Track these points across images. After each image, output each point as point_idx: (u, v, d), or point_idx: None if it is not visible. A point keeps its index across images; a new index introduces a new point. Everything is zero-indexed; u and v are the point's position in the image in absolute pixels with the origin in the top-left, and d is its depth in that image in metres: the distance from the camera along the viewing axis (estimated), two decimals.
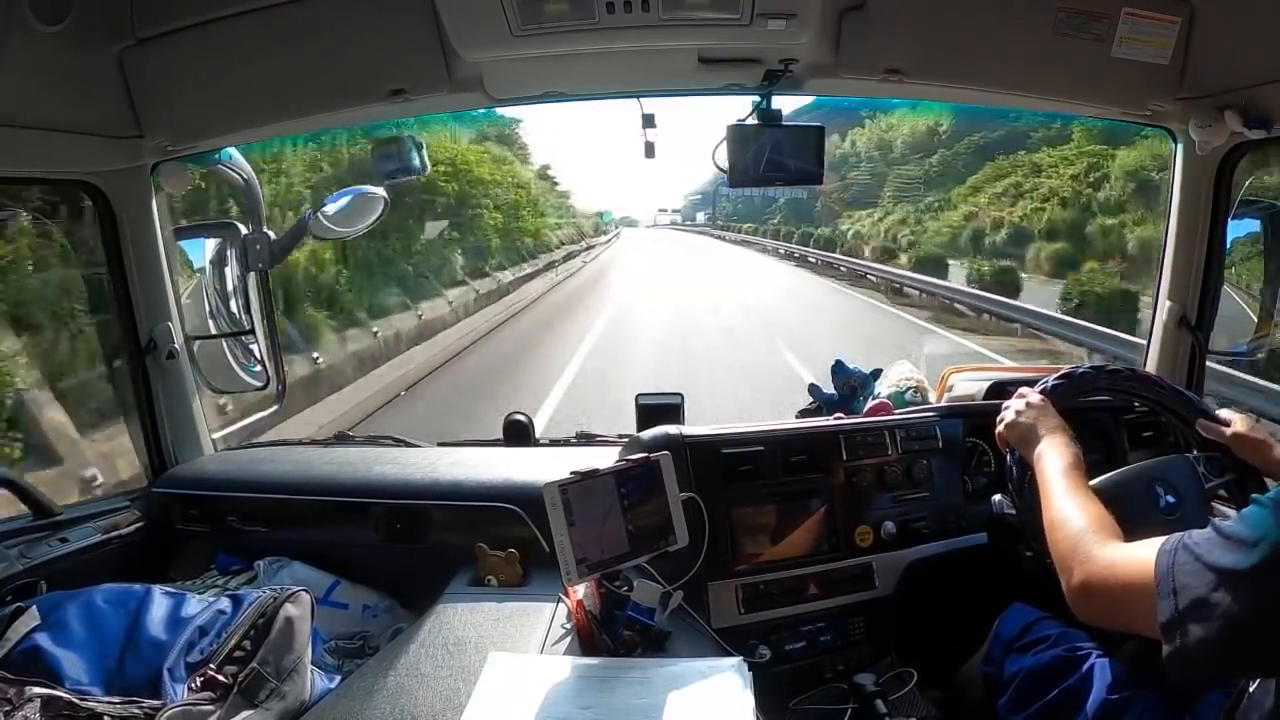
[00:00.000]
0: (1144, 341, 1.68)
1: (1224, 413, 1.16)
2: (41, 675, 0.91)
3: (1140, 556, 0.77)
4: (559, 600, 1.17)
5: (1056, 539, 0.91)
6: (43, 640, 0.96)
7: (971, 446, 1.48)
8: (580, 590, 1.13)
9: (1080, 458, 1.02)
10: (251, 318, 1.61)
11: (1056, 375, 1.20)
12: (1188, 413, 1.19)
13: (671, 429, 1.36)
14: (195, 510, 1.49)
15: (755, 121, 1.42)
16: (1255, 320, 1.57)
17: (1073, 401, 1.16)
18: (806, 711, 1.24)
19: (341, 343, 7.54)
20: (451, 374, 8.02)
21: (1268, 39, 1.20)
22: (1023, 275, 13.94)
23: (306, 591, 1.09)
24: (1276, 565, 0.67)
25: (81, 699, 0.89)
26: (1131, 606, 0.77)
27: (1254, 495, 0.75)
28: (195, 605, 1.06)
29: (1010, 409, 1.13)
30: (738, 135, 1.40)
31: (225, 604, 1.06)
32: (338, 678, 1.11)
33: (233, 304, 1.62)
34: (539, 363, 8.19)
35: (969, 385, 1.67)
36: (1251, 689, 0.81)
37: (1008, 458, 1.14)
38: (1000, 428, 1.13)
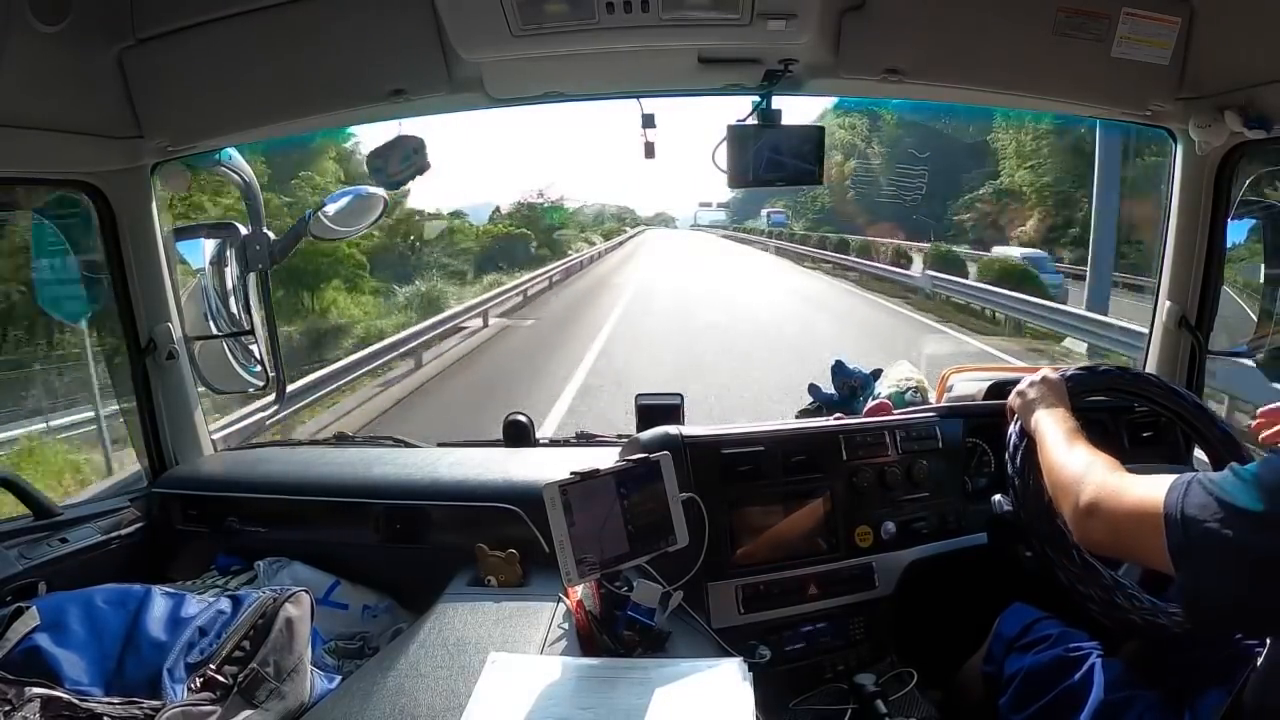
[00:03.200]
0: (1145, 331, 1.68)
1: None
2: (41, 675, 0.91)
3: (1151, 485, 0.79)
4: (559, 600, 1.17)
5: (1060, 475, 0.93)
6: (42, 641, 0.96)
7: (971, 447, 1.48)
8: (580, 590, 1.13)
9: (1080, 429, 1.03)
10: (251, 318, 1.61)
11: (1079, 365, 1.22)
12: (1208, 430, 1.20)
13: (671, 429, 1.36)
14: (195, 510, 1.49)
15: (755, 122, 1.42)
16: (1255, 320, 1.57)
17: (1080, 401, 1.16)
18: (806, 711, 1.24)
19: None
20: None
21: (1268, 39, 1.20)
22: None
23: (306, 592, 1.09)
24: (1272, 514, 0.69)
25: (81, 699, 0.89)
26: (1137, 533, 0.78)
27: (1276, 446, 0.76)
28: (195, 606, 1.06)
29: (1025, 381, 1.16)
30: (737, 135, 1.41)
31: (225, 604, 1.06)
32: (338, 678, 1.11)
33: (233, 304, 1.62)
34: None
35: (969, 385, 1.67)
36: (1259, 663, 0.81)
37: (1011, 426, 1.17)
38: (1010, 397, 1.17)
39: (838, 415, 1.51)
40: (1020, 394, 1.15)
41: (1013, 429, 1.16)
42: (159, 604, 1.05)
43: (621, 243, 32.72)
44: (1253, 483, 0.71)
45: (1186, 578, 0.73)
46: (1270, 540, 0.69)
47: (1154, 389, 1.24)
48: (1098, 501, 0.84)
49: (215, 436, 1.69)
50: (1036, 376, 1.16)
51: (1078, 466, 0.91)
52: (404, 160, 1.47)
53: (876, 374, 1.66)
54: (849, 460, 1.39)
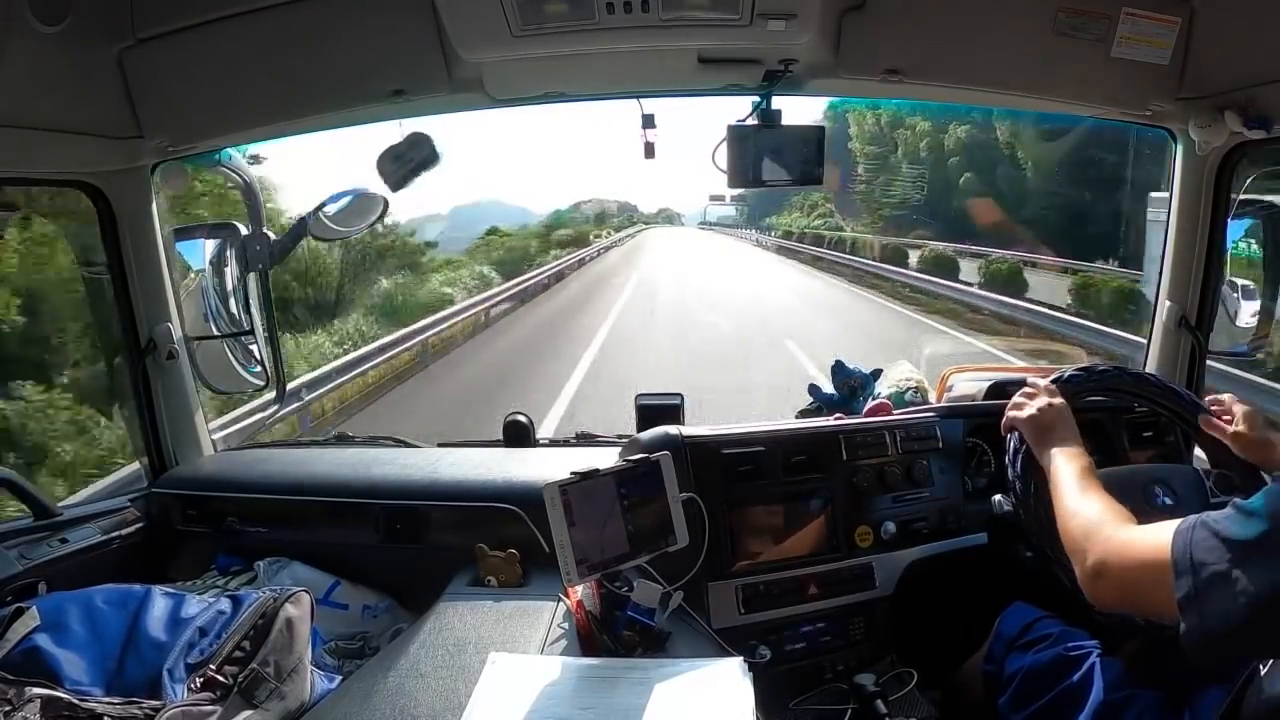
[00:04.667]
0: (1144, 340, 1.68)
1: (1227, 398, 1.15)
2: (41, 676, 0.91)
3: (1156, 536, 0.77)
4: (559, 600, 1.17)
5: (1069, 527, 0.92)
6: (43, 641, 0.96)
7: (971, 447, 1.48)
8: (580, 590, 1.13)
9: (1092, 468, 1.01)
10: (251, 318, 1.61)
11: (1075, 367, 1.21)
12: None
13: (671, 429, 1.36)
14: (195, 511, 1.49)
15: (755, 122, 1.42)
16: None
17: (1079, 401, 1.16)
18: (806, 711, 1.24)
19: None
20: None
21: (1268, 39, 1.21)
22: None
23: (306, 592, 1.09)
24: (1272, 540, 0.68)
25: (81, 699, 0.89)
26: (1147, 587, 0.76)
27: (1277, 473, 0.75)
28: (195, 606, 1.06)
29: (1033, 405, 1.12)
30: (737, 136, 1.41)
31: (225, 605, 1.06)
32: (338, 678, 1.11)
33: (233, 304, 1.62)
34: None
35: (969, 385, 1.67)
36: (1262, 671, 0.80)
37: (1009, 438, 1.15)
38: (1019, 414, 1.13)
39: (838, 415, 1.51)
40: (1031, 419, 1.10)
41: (1013, 441, 1.15)
42: (159, 604, 1.05)
43: (560, 275, 15.65)
44: (1259, 515, 0.70)
45: (1194, 622, 0.71)
46: (1269, 568, 0.68)
47: (1151, 388, 1.24)
48: (1105, 562, 0.83)
49: (215, 436, 1.69)
50: (1043, 400, 1.12)
51: (1084, 523, 0.89)
52: (395, 159, 1.45)
53: (876, 374, 1.66)
54: (849, 460, 1.39)
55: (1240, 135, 1.30)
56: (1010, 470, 1.14)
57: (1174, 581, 0.72)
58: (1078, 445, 1.05)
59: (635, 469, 1.12)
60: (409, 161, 1.45)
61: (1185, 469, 1.16)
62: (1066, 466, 1.01)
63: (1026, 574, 1.17)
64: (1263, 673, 0.81)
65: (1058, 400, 1.12)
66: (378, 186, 1.51)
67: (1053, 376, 1.19)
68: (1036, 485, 1.09)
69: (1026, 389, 1.16)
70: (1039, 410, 1.11)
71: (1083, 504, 0.93)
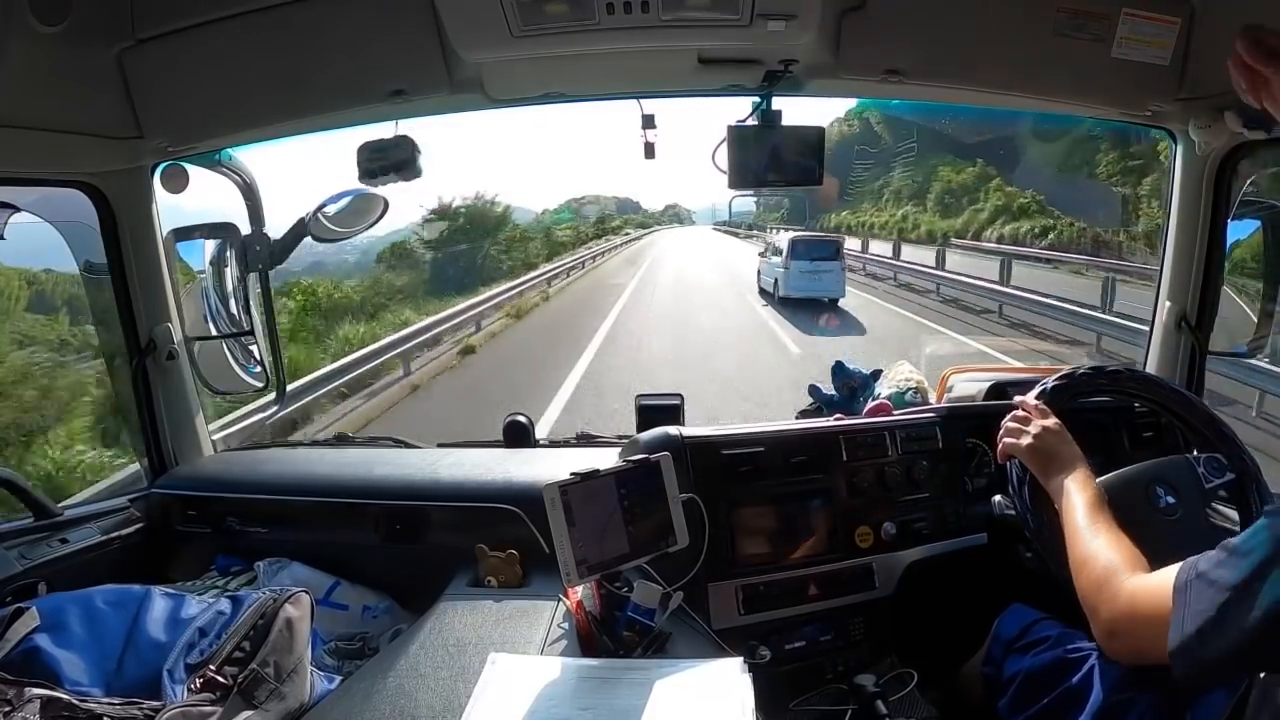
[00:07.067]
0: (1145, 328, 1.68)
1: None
2: (41, 676, 0.91)
3: (1159, 591, 0.78)
4: (559, 601, 1.17)
5: (1083, 577, 0.92)
6: (42, 641, 0.96)
7: (972, 447, 1.48)
8: (580, 591, 1.13)
9: (1102, 494, 1.00)
10: (251, 318, 1.61)
11: (1056, 377, 1.20)
12: (1189, 414, 1.20)
13: (671, 429, 1.36)
14: (195, 511, 1.49)
15: (755, 122, 1.42)
16: (1255, 320, 1.57)
17: (1071, 404, 1.16)
18: (806, 712, 1.24)
19: None
20: None
21: None
22: None
23: (306, 592, 1.09)
24: (1263, 574, 0.68)
25: (81, 700, 0.89)
26: (1156, 643, 0.76)
27: (1266, 508, 0.76)
28: (195, 606, 1.06)
29: (1028, 432, 1.10)
30: (738, 136, 1.41)
31: (225, 605, 1.06)
32: (338, 679, 1.11)
33: (232, 304, 1.62)
34: None
35: (969, 386, 1.67)
36: (1262, 675, 0.80)
37: (1009, 467, 1.14)
38: (1017, 443, 1.11)
39: (838, 415, 1.51)
40: (1031, 449, 1.08)
41: (1012, 469, 1.13)
42: (159, 605, 1.05)
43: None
44: (1248, 553, 0.71)
45: (1186, 664, 0.73)
46: (1252, 608, 0.68)
47: (1127, 381, 1.24)
48: (1115, 622, 0.84)
49: (215, 437, 1.69)
50: (1035, 426, 1.09)
51: (1096, 574, 0.89)
52: (376, 150, 1.42)
53: (876, 374, 1.66)
54: (849, 461, 1.39)
55: (1240, 135, 1.30)
56: (1018, 501, 1.12)
57: (1169, 634, 0.74)
58: (1083, 467, 1.04)
59: (635, 469, 1.12)
60: (386, 157, 1.43)
61: (1178, 460, 1.15)
62: (1077, 497, 0.99)
63: (1026, 574, 1.17)
64: (1261, 676, 0.81)
65: (1051, 421, 1.10)
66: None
67: (1034, 392, 1.17)
68: (1049, 518, 1.07)
69: (1016, 413, 1.13)
70: (1035, 437, 1.08)
71: (1093, 549, 0.92)
